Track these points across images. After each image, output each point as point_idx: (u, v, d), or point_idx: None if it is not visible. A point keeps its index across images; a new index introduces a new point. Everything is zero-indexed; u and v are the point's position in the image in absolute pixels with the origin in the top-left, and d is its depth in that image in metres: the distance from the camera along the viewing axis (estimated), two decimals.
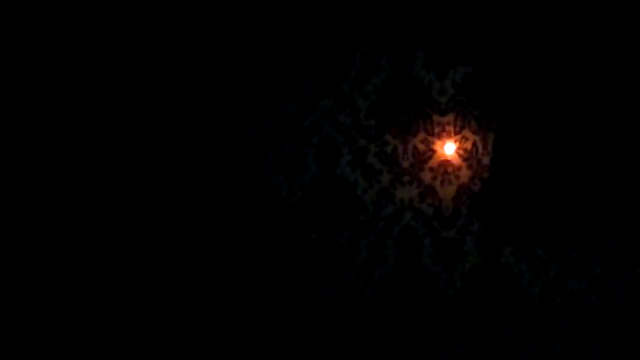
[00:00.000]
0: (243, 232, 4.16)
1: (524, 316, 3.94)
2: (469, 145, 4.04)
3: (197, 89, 4.19)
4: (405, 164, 4.10)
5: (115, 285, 4.18)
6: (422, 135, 4.08)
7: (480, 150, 4.03)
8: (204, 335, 4.10)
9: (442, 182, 4.06)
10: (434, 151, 4.07)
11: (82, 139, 4.23)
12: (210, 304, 4.12)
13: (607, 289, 3.89)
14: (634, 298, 3.85)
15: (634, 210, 3.76)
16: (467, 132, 4.05)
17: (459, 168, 4.05)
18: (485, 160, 4.02)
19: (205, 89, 4.19)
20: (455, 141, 4.05)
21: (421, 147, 4.08)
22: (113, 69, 4.22)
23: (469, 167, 4.04)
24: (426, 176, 4.07)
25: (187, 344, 4.10)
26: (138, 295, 4.16)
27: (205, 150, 4.18)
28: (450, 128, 4.06)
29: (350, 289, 4.08)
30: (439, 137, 4.07)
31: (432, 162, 4.07)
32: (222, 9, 4.18)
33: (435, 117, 4.07)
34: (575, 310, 3.90)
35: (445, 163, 4.05)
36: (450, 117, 4.06)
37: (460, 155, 4.05)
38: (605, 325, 3.87)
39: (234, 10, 4.18)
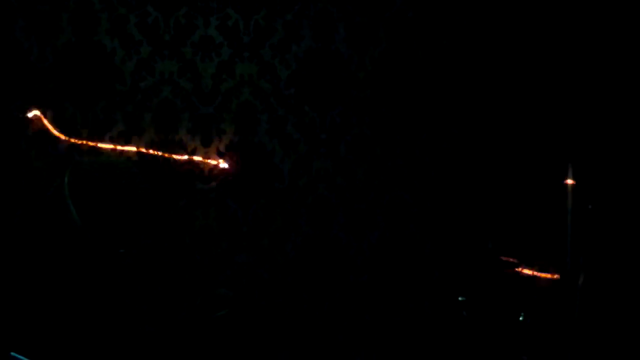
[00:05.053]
0: None
1: (274, 192, 4.13)
2: (230, 22, 4.08)
3: None
4: (167, 37, 4.05)
5: None
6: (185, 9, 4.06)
7: (242, 28, 4.09)
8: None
9: (202, 58, 4.08)
10: (196, 27, 4.06)
11: None
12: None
13: (350, 168, 4.19)
14: (372, 177, 4.19)
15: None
16: (230, 10, 4.09)
17: (220, 45, 4.09)
18: (246, 39, 4.10)
19: None
20: (218, 19, 4.08)
21: (182, 20, 4.06)
22: None
23: (230, 45, 4.09)
24: (187, 51, 4.06)
25: None
26: None
27: None
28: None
29: None
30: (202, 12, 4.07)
31: (194, 37, 4.06)
32: None
33: None
34: (321, 187, 4.16)
35: (207, 39, 4.07)
36: None
37: (221, 33, 4.08)
38: (346, 202, 4.18)
39: None
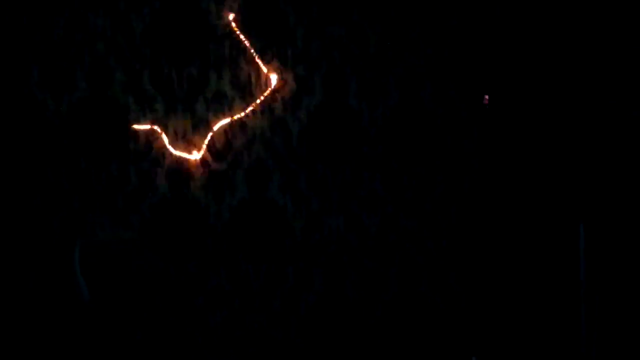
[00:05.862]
0: None
1: (286, 250, 4.10)
2: (244, 77, 4.07)
3: None
4: (180, 94, 4.04)
5: None
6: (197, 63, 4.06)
7: (253, 81, 4.07)
8: None
9: (215, 114, 4.07)
10: (208, 80, 4.06)
11: None
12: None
13: (362, 226, 4.16)
14: (386, 234, 4.16)
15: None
16: (242, 62, 4.07)
17: (232, 99, 4.08)
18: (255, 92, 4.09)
19: None
20: (230, 70, 4.07)
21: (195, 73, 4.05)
22: None
23: (241, 97, 4.07)
24: (200, 107, 4.06)
25: None
26: None
27: None
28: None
29: None
30: (215, 65, 4.06)
31: (207, 92, 4.06)
32: None
33: (212, 45, 4.05)
34: (333, 245, 4.13)
35: (217, 93, 4.06)
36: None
37: (234, 86, 4.07)
38: (358, 260, 4.15)
39: None
